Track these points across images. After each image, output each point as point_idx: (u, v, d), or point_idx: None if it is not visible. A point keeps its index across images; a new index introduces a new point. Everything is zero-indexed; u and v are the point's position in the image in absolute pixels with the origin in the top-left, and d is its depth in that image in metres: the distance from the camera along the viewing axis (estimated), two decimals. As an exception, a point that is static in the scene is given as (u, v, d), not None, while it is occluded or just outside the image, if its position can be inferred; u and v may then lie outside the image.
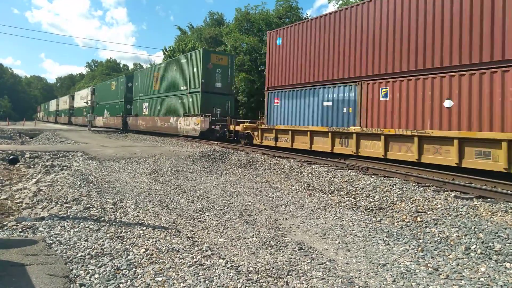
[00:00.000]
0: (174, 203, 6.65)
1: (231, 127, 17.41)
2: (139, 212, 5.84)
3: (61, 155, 11.93)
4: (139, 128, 28.11)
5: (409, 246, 4.76)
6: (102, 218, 5.26)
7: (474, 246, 4.59)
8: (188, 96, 21.28)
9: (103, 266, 3.64)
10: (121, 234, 4.61)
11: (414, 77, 9.66)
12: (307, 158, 11.85)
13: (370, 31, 10.94)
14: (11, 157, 11.11)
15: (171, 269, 3.68)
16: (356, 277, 3.76)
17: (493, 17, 8.17)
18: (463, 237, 4.90)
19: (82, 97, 45.88)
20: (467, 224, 5.27)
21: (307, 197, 7.82)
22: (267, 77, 15.20)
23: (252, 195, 7.70)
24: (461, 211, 5.95)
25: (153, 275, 3.51)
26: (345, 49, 11.77)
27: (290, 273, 3.77)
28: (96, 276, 3.44)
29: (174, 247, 4.28)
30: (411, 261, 4.24)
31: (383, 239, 5.02)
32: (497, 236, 4.74)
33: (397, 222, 5.91)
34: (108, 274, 3.49)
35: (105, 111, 36.76)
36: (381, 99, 10.49)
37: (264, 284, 3.50)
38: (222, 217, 5.91)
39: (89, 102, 41.58)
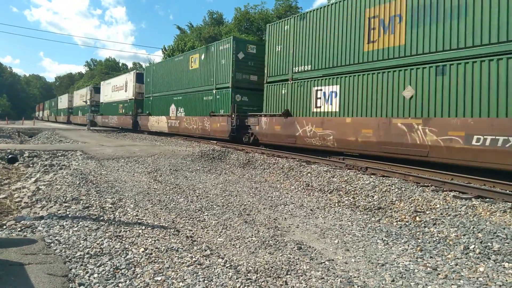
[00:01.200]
0: (173, 203, 6.65)
1: None
2: (138, 211, 5.83)
3: (60, 154, 11.91)
4: (314, 145, 12.09)
5: (408, 245, 4.77)
6: (101, 218, 5.26)
7: (473, 246, 4.60)
8: None
9: (102, 266, 3.64)
10: (120, 234, 4.60)
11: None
12: (306, 157, 11.84)
13: None
14: (10, 156, 11.09)
15: (170, 269, 3.68)
16: (355, 277, 3.77)
17: None
18: (462, 237, 4.91)
19: (117, 88, 31.82)
20: (466, 224, 5.28)
21: (306, 196, 7.82)
22: None
23: (251, 194, 7.71)
24: (460, 211, 5.96)
25: (152, 275, 3.51)
26: None
27: (289, 273, 3.78)
28: (95, 275, 3.44)
29: (173, 247, 4.28)
30: (410, 260, 4.25)
31: (382, 239, 5.03)
32: (496, 236, 4.74)
33: (396, 221, 5.92)
34: (107, 273, 3.49)
35: (173, 106, 21.93)
36: None
37: (263, 283, 3.50)
38: (221, 216, 5.92)
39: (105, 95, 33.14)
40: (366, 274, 3.86)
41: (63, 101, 55.89)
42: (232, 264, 3.92)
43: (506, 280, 3.70)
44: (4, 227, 4.74)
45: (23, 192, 6.95)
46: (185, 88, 20.82)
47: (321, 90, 12.04)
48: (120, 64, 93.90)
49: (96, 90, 40.16)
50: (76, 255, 3.84)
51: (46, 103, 77.56)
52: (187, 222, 5.54)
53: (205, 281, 3.44)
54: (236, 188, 8.30)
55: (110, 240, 4.32)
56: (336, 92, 11.48)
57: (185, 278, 3.49)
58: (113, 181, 8.09)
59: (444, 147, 8.48)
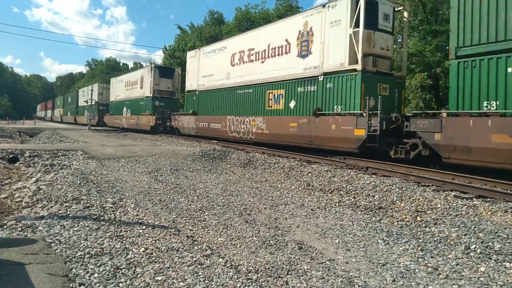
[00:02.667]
0: (174, 202, 6.65)
1: None
2: (138, 211, 5.83)
3: (61, 154, 11.92)
4: None
5: (409, 245, 4.76)
6: (102, 217, 5.26)
7: (474, 245, 4.59)
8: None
9: (103, 265, 3.63)
10: (120, 233, 4.60)
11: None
12: (307, 157, 11.84)
13: None
14: (11, 156, 11.10)
15: (170, 269, 3.67)
16: (355, 277, 3.76)
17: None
18: (463, 236, 4.90)
19: (257, 54, 15.09)
20: (467, 224, 5.27)
21: (307, 196, 7.81)
22: None
23: (252, 194, 7.70)
24: (461, 211, 5.95)
25: (152, 275, 3.51)
26: None
27: (289, 273, 3.77)
28: (96, 275, 3.44)
29: (173, 246, 4.27)
30: (410, 260, 4.24)
31: (383, 239, 5.02)
32: (497, 236, 4.74)
33: (397, 221, 5.91)
34: (107, 273, 3.49)
35: None
36: None
37: (263, 283, 3.50)
38: (221, 216, 5.91)
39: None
40: (367, 274, 3.86)
41: (88, 95, 39.11)
42: (232, 264, 3.91)
43: (507, 280, 3.69)
44: (5, 226, 4.74)
45: (24, 192, 6.95)
46: None
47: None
48: (121, 64, 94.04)
49: (164, 72, 25.34)
50: (76, 255, 3.84)
51: (57, 99, 61.71)
52: (188, 222, 5.54)
53: (206, 281, 3.44)
54: (236, 187, 8.29)
55: (111, 240, 4.32)
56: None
57: (185, 278, 3.49)
58: (114, 181, 8.09)
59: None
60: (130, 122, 27.57)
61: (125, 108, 29.26)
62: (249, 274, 3.67)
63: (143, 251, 4.06)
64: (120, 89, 30.71)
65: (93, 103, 37.44)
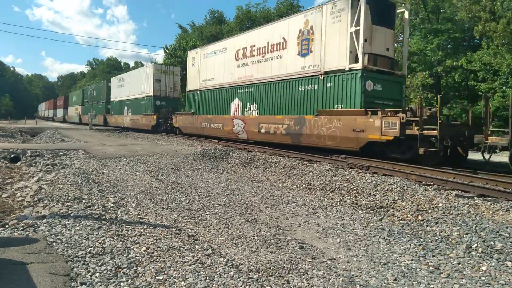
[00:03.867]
0: (175, 202, 6.66)
1: None
2: (140, 210, 5.84)
3: (62, 153, 11.93)
4: None
5: (410, 244, 4.76)
6: (103, 217, 5.27)
7: (475, 245, 4.59)
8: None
9: (104, 265, 3.64)
10: (122, 233, 4.61)
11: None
12: (308, 156, 11.83)
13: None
14: (12, 155, 11.11)
15: (172, 268, 3.68)
16: (357, 276, 3.76)
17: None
18: (464, 235, 4.90)
19: None
20: (468, 223, 5.26)
21: (308, 195, 7.81)
22: None
23: (253, 193, 7.70)
24: (462, 210, 5.94)
25: (154, 274, 3.51)
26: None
27: (291, 272, 3.77)
28: (97, 274, 3.45)
29: (175, 246, 4.28)
30: (412, 259, 4.24)
31: (384, 238, 5.02)
32: (498, 235, 4.73)
33: (398, 220, 5.90)
34: (109, 272, 3.49)
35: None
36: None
37: (264, 282, 3.50)
38: (223, 215, 5.91)
39: None
40: (368, 273, 3.85)
41: (134, 82, 26.42)
42: (234, 263, 3.92)
43: (509, 279, 3.69)
44: (7, 226, 4.76)
45: (25, 191, 6.97)
46: None
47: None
48: (122, 64, 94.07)
49: (380, 10, 10.74)
50: (78, 254, 3.84)
51: (72, 95, 49.60)
52: (189, 221, 5.54)
53: (207, 280, 3.44)
54: (238, 187, 8.30)
55: (112, 239, 4.33)
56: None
57: (186, 277, 3.49)
58: (115, 180, 8.10)
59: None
60: (277, 130, 13.12)
61: (237, 101, 15.61)
62: (250, 273, 3.68)
63: (145, 251, 4.07)
64: (218, 65, 17.43)
65: (139, 95, 25.28)
